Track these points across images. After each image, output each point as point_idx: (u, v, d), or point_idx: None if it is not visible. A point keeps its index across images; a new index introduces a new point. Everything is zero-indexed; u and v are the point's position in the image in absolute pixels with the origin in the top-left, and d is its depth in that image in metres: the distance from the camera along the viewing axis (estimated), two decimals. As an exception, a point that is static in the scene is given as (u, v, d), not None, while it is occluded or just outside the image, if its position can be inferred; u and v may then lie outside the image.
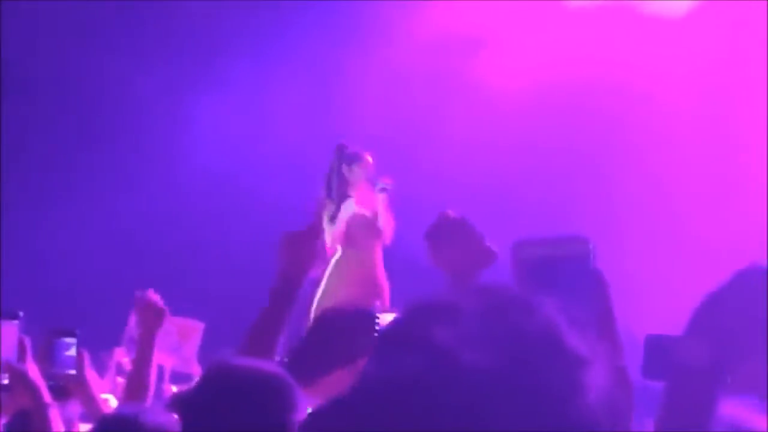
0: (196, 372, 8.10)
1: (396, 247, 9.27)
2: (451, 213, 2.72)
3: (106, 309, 8.03)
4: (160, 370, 7.66)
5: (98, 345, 6.43)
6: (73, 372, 3.23)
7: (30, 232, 10.62)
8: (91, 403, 3.34)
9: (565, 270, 1.73)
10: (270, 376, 2.44)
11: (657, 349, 2.06)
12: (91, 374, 3.41)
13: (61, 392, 3.20)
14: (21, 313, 2.93)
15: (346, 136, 9.46)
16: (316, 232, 3.18)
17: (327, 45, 10.54)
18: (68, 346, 3.23)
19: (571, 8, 10.36)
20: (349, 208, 8.22)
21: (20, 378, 2.89)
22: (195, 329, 8.41)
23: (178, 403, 2.51)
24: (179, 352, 8.26)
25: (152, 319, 3.57)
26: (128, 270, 10.02)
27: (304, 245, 3.06)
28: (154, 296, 3.74)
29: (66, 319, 4.67)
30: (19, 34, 10.65)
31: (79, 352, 3.27)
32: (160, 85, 10.86)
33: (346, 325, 3.04)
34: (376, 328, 2.97)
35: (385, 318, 3.04)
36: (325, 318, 3.14)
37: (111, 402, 4.10)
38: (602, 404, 1.20)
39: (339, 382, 2.78)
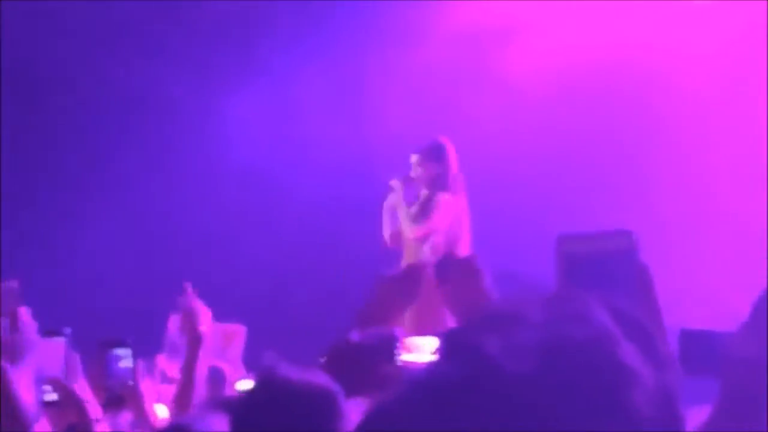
0: (242, 375, 8.13)
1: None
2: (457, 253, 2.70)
3: (144, 314, 8.06)
4: (219, 374, 7.69)
5: (139, 352, 6.43)
6: (129, 382, 3.24)
7: (57, 237, 10.64)
8: (141, 413, 3.35)
9: (610, 264, 1.73)
10: (319, 386, 2.45)
11: (696, 343, 2.04)
12: (146, 384, 3.42)
13: (116, 403, 3.21)
14: (69, 330, 2.93)
15: (377, 132, 9.45)
16: (416, 277, 3.05)
17: (356, 42, 10.53)
18: (122, 357, 3.24)
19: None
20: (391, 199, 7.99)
21: (68, 395, 2.90)
22: (238, 333, 8.43)
23: (229, 409, 2.52)
24: (224, 357, 8.27)
25: (198, 327, 3.56)
26: (162, 273, 10.02)
27: (402, 293, 2.97)
28: (198, 303, 3.72)
29: (108, 329, 4.69)
30: (40, 39, 10.68)
31: (134, 365, 3.28)
32: (190, 84, 10.86)
33: (366, 353, 2.99)
34: (397, 354, 2.92)
35: (410, 343, 3.00)
36: (344, 345, 3.08)
37: (160, 411, 4.11)
38: (652, 414, 1.20)
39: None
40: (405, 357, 2.93)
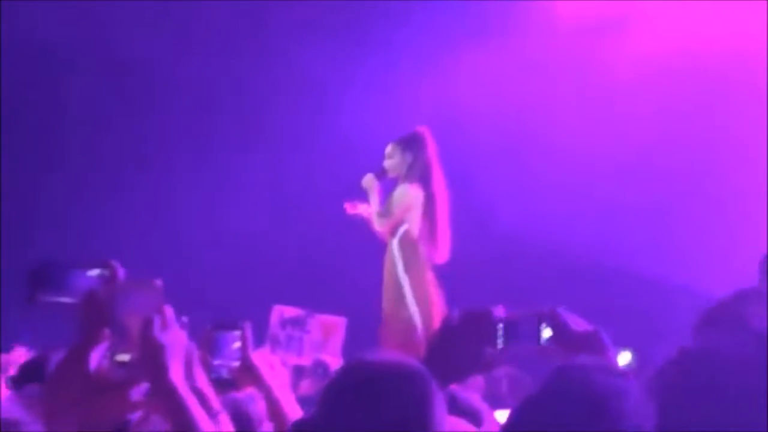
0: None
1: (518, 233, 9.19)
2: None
3: (246, 306, 8.02)
4: (323, 366, 7.66)
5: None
6: (236, 363, 3.20)
7: (160, 223, 10.67)
8: (263, 387, 3.26)
9: None
10: (408, 369, 2.43)
11: None
12: (261, 362, 3.32)
13: (228, 385, 3.18)
14: (185, 319, 2.84)
15: (481, 122, 9.36)
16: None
17: (462, 34, 10.44)
18: (233, 339, 3.20)
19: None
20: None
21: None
22: (338, 325, 8.42)
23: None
24: (325, 349, 8.28)
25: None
26: (263, 266, 9.99)
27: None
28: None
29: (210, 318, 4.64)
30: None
31: (243, 342, 3.23)
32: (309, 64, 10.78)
33: (468, 337, 2.87)
34: (500, 334, 2.84)
35: (509, 323, 2.94)
36: (445, 330, 3.03)
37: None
38: None
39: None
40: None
